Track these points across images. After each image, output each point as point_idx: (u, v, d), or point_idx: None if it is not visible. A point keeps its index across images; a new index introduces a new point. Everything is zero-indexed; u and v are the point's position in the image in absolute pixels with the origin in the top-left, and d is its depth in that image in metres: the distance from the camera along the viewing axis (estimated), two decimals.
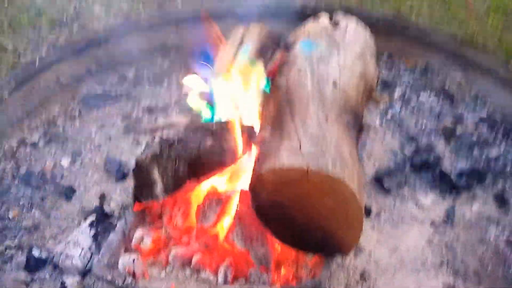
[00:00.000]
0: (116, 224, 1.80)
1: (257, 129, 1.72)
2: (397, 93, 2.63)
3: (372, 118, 2.46)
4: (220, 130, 1.64)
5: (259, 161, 1.53)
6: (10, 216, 1.96)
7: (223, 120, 1.70)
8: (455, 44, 2.71)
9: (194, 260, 1.61)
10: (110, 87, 2.67)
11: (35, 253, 1.78)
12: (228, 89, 1.91)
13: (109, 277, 1.58)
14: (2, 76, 2.36)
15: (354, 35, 2.02)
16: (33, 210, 1.99)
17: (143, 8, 2.90)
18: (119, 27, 2.75)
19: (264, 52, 2.01)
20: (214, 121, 1.81)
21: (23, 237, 1.88)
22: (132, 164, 2.12)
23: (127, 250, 1.69)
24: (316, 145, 1.45)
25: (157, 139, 2.30)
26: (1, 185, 2.09)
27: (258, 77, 1.93)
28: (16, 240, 1.86)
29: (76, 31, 2.71)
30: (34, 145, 2.30)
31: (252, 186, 1.48)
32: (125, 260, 1.62)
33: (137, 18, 2.82)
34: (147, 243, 1.67)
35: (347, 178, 1.39)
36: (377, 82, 2.40)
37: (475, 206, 2.02)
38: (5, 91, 2.27)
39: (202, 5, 2.91)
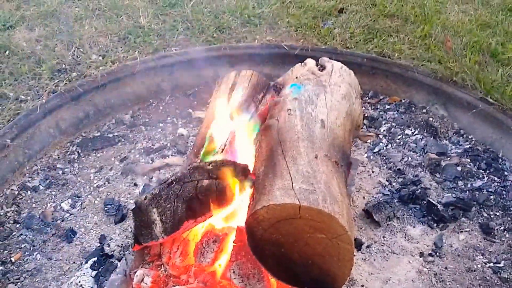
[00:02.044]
0: (117, 265, 1.85)
1: (251, 168, 1.80)
2: (383, 128, 2.75)
3: (360, 153, 2.57)
4: (216, 170, 1.72)
5: (253, 199, 1.61)
6: (13, 260, 2.00)
7: (218, 160, 1.78)
8: (436, 80, 2.85)
9: None
10: (108, 131, 2.77)
11: None
12: (222, 131, 2.02)
13: None
14: (4, 123, 2.45)
15: (339, 77, 2.15)
16: (35, 253, 2.04)
17: (138, 54, 3.03)
18: (115, 73, 2.87)
19: (255, 96, 2.13)
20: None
21: (26, 280, 1.93)
22: (130, 205, 2.20)
23: None
24: (307, 183, 1.54)
25: (155, 180, 2.39)
26: (3, 230, 2.15)
27: (251, 119, 2.04)
28: (18, 284, 1.91)
29: (75, 78, 2.82)
30: (35, 189, 2.36)
31: (248, 224, 1.55)
32: None
33: (133, 64, 2.94)
34: (148, 282, 1.72)
35: (337, 213, 1.48)
36: (363, 119, 2.53)
37: (462, 236, 2.10)
38: (7, 138, 2.36)
39: (195, 51, 3.05)
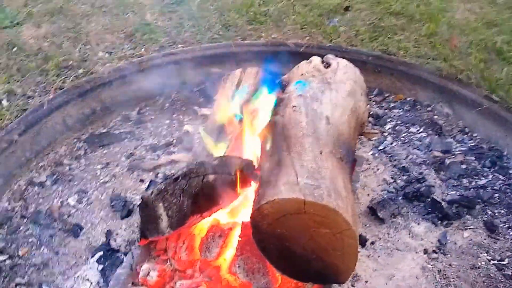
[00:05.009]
0: (123, 259, 1.87)
1: (256, 163, 1.82)
2: (388, 126, 2.76)
3: (365, 150, 2.57)
4: (222, 165, 1.73)
5: (259, 194, 1.62)
6: (20, 254, 2.03)
7: (224, 156, 1.80)
8: (441, 78, 2.85)
9: None
10: (114, 127, 2.79)
11: None
12: (228, 127, 2.03)
13: None
14: (12, 119, 2.48)
15: (345, 74, 2.16)
16: (42, 248, 2.07)
17: (145, 51, 3.05)
18: (122, 70, 2.89)
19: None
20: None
21: (33, 274, 1.95)
22: (136, 200, 2.22)
23: (134, 283, 1.76)
24: (312, 178, 1.55)
25: (160, 176, 2.41)
26: (11, 224, 2.17)
27: (257, 115, 2.06)
28: (26, 278, 1.93)
29: (81, 74, 2.84)
30: (42, 184, 2.39)
31: (253, 218, 1.57)
32: None
33: (139, 61, 2.96)
34: (153, 276, 1.74)
35: (342, 208, 1.49)
36: (368, 116, 2.53)
37: (466, 233, 2.10)
38: (15, 133, 2.38)
39: (201, 48, 3.07)
